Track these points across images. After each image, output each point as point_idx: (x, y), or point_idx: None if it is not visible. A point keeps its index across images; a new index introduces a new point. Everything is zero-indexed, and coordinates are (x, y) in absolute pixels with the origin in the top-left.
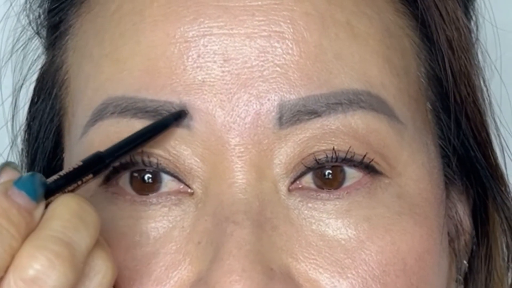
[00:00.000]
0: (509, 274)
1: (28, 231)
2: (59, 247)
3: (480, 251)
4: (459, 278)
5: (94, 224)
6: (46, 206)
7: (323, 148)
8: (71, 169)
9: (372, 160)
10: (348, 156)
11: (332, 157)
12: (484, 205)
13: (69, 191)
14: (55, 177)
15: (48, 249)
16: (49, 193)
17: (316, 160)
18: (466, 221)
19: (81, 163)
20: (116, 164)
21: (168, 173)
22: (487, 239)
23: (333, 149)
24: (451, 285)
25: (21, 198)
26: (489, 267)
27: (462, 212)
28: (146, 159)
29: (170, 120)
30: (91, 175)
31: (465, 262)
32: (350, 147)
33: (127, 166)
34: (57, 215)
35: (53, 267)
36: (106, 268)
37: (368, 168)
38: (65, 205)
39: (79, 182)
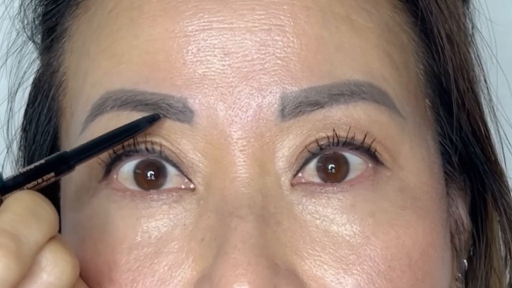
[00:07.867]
0: (507, 271)
1: None
2: (4, 239)
3: (479, 249)
4: (459, 276)
5: (49, 220)
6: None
7: (324, 135)
8: (32, 167)
9: (376, 150)
10: (349, 137)
11: (333, 141)
12: (483, 202)
13: (28, 189)
14: (14, 174)
15: None
16: (7, 189)
17: (318, 144)
18: (465, 218)
19: (43, 162)
20: (120, 151)
21: (171, 162)
22: (486, 236)
23: (333, 130)
24: (452, 282)
25: None
26: (487, 265)
27: (462, 209)
28: (149, 146)
29: (143, 123)
30: (52, 174)
31: (464, 260)
32: (350, 128)
33: (130, 153)
34: (8, 209)
35: None
36: (65, 262)
37: (370, 153)
38: (18, 200)
39: (39, 180)
